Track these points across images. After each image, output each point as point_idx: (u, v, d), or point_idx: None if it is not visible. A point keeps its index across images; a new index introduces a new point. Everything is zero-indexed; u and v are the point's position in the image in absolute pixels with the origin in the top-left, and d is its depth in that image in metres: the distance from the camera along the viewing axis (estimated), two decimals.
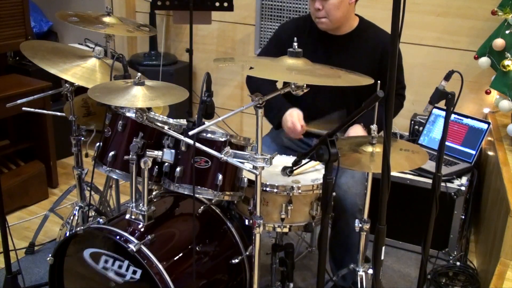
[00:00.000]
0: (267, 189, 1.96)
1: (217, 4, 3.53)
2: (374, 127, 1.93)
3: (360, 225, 2.05)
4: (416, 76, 3.35)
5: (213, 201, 1.96)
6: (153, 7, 3.54)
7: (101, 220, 1.95)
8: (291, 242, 2.22)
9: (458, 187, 2.71)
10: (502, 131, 2.90)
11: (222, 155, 1.77)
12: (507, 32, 2.85)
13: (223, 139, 1.87)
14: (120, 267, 1.84)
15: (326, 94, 2.35)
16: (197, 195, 1.89)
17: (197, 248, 1.95)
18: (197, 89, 3.82)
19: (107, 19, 2.42)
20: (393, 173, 2.14)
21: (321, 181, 1.69)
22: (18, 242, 2.70)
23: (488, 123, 2.90)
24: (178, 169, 1.87)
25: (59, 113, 2.44)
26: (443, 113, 2.03)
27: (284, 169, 2.02)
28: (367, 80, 1.84)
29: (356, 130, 2.33)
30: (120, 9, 4.19)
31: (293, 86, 1.75)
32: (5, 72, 3.43)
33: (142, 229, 1.89)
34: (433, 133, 3.05)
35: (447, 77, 1.94)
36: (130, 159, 1.87)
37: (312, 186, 1.99)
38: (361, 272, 2.13)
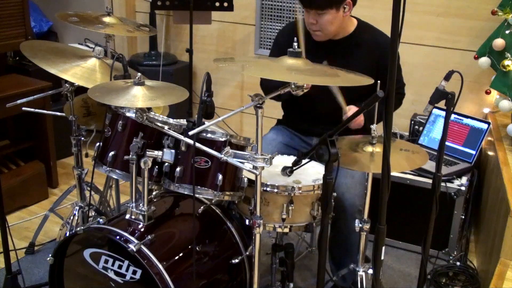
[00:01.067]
0: (268, 189, 1.96)
1: (217, 4, 3.53)
2: (374, 127, 1.93)
3: (360, 225, 2.05)
4: (416, 76, 3.35)
5: (213, 201, 1.96)
6: (153, 7, 3.54)
7: (101, 220, 1.95)
8: (291, 242, 2.22)
9: (458, 187, 2.71)
10: (502, 131, 2.90)
11: (222, 155, 1.77)
12: (507, 32, 2.85)
13: (223, 139, 1.86)
14: (120, 267, 1.84)
15: (326, 95, 2.34)
16: (197, 195, 1.89)
17: (197, 248, 1.95)
18: (197, 89, 3.82)
19: (107, 19, 2.42)
20: (393, 173, 2.14)
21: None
22: (18, 242, 2.70)
23: (488, 123, 2.90)
24: (178, 169, 1.87)
25: (59, 113, 2.44)
26: (443, 113, 2.03)
27: (284, 169, 2.02)
28: (367, 80, 1.84)
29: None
30: (120, 9, 4.18)
31: (293, 86, 1.75)
32: (5, 72, 3.43)
33: (142, 229, 1.88)
34: (433, 133, 3.05)
35: (447, 77, 1.94)
36: (130, 159, 1.87)
37: (313, 187, 1.99)
38: (361, 272, 2.13)
